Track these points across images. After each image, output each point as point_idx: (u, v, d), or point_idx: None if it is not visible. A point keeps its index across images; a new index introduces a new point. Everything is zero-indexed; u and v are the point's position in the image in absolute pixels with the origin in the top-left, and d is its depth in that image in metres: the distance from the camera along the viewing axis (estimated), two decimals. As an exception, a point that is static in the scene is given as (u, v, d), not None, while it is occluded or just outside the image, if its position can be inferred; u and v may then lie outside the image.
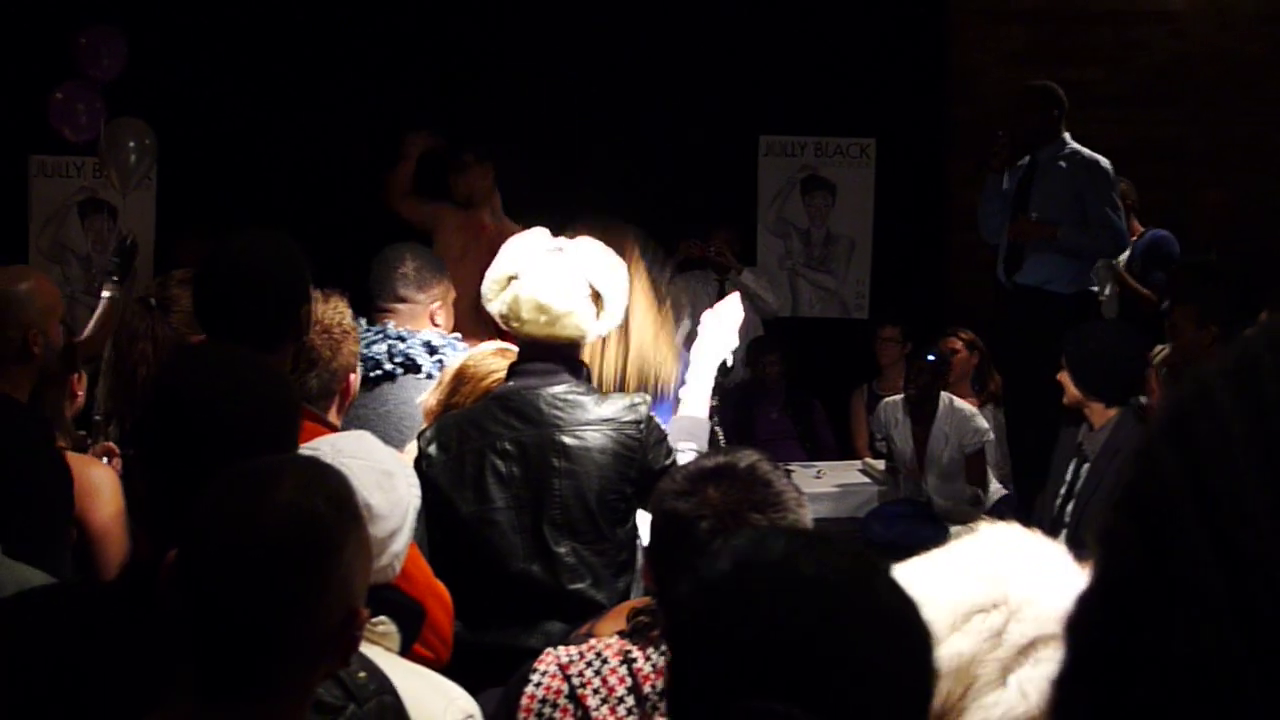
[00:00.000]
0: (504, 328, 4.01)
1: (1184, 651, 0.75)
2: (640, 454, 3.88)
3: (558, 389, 3.91)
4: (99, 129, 8.76)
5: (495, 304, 3.95)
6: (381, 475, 2.82)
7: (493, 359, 4.22)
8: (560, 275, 3.90)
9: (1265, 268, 7.92)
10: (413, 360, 4.75)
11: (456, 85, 10.00)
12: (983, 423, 8.01)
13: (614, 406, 3.92)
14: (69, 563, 3.59)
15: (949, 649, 1.79)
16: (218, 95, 9.75)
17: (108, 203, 9.87)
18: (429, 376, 4.63)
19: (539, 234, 4.03)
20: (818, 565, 1.56)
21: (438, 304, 4.99)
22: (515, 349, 4.21)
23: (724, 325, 4.40)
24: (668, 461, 3.90)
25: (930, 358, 8.16)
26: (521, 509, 3.86)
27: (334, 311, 4.01)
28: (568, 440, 3.86)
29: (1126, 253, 8.32)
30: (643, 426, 3.90)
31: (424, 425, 4.11)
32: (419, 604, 2.94)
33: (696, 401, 4.24)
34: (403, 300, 4.91)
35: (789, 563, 1.57)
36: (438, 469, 3.86)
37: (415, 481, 3.02)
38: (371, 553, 2.26)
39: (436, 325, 4.98)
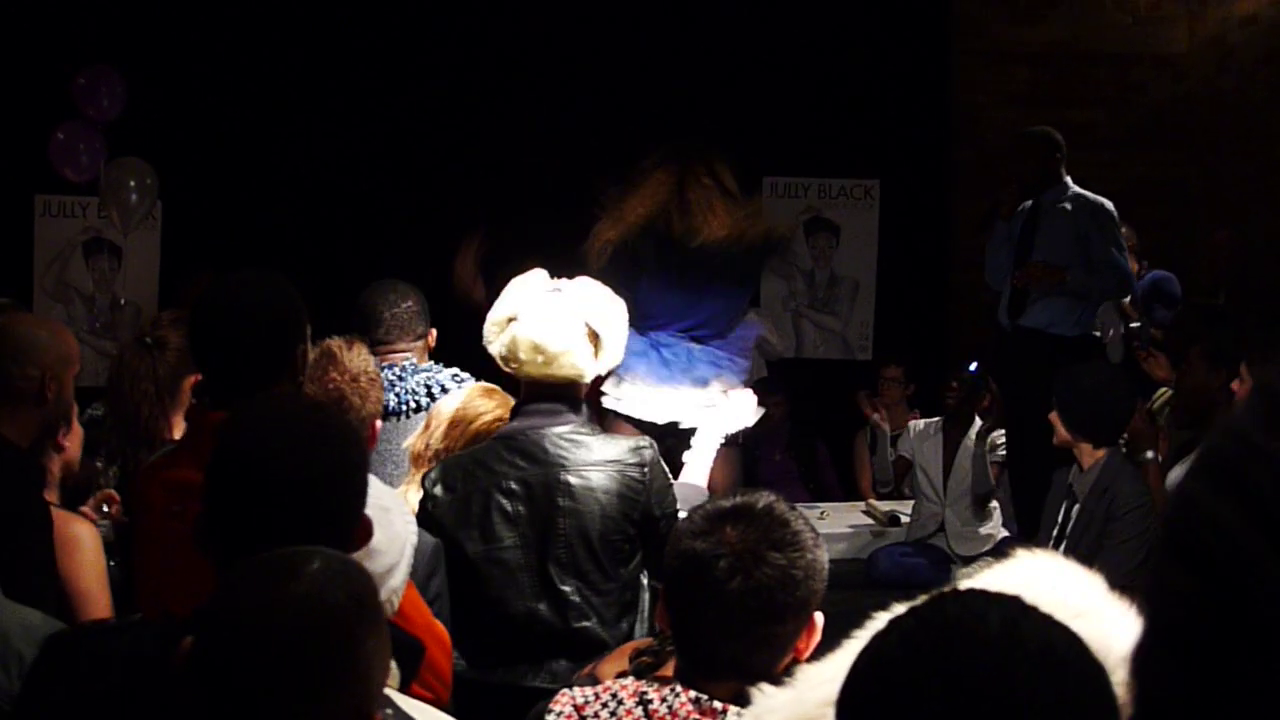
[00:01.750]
0: (504, 369, 4.02)
1: (1267, 687, 0.74)
2: (643, 496, 3.89)
3: (563, 429, 3.92)
4: (99, 169, 8.79)
5: (495, 345, 3.97)
6: (379, 512, 2.81)
7: (481, 400, 4.22)
8: (557, 316, 3.92)
9: (1273, 309, 7.92)
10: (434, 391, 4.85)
11: (465, 126, 10.02)
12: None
13: (618, 448, 3.93)
14: (53, 612, 3.55)
15: None
16: (219, 133, 9.77)
17: (110, 242, 9.88)
18: None
19: (537, 275, 4.04)
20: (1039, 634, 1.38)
21: (432, 335, 5.09)
22: (499, 389, 4.23)
23: (738, 410, 4.41)
24: (670, 510, 3.91)
25: (972, 369, 8.14)
26: (528, 548, 3.86)
27: (359, 359, 4.02)
28: (572, 480, 3.87)
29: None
30: (646, 470, 3.91)
31: (412, 468, 4.12)
32: (418, 640, 2.92)
33: (697, 471, 4.27)
34: (419, 337, 5.01)
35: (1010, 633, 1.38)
36: (444, 509, 3.87)
37: (412, 519, 3.01)
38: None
39: (429, 353, 5.07)
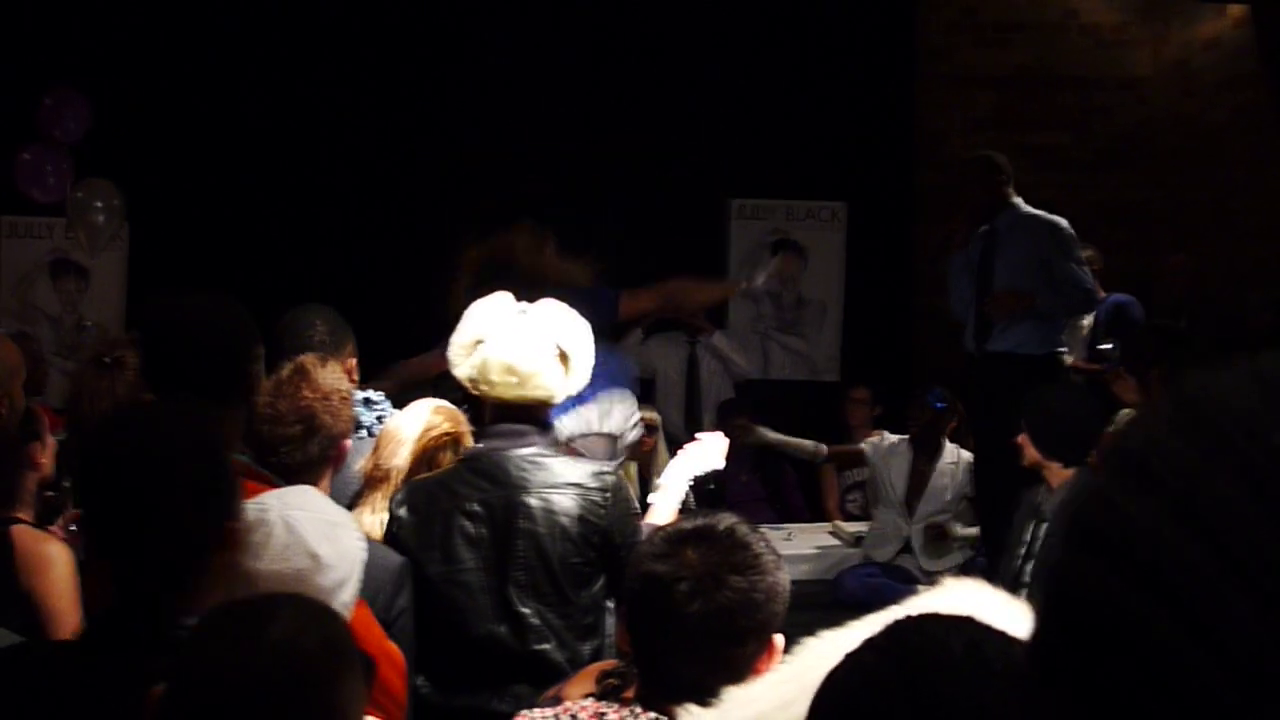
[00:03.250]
0: (473, 391, 4.00)
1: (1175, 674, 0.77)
2: (604, 521, 3.87)
3: (526, 451, 3.91)
4: (66, 190, 8.77)
5: (463, 368, 3.96)
6: (327, 526, 2.82)
7: (434, 416, 4.21)
8: (527, 337, 3.91)
9: (1231, 331, 7.98)
10: (357, 419, 4.73)
11: (428, 149, 10.03)
12: None
13: (581, 471, 3.93)
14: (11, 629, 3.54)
15: None
16: (185, 155, 9.75)
17: (77, 263, 9.85)
18: (370, 434, 4.62)
19: (502, 298, 4.04)
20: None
21: (352, 360, 4.98)
22: (451, 405, 4.23)
23: (707, 452, 4.41)
24: (632, 539, 3.88)
25: (937, 403, 8.18)
26: (488, 570, 3.85)
27: (331, 377, 4.01)
28: (533, 502, 3.86)
29: (1089, 317, 8.35)
30: (608, 495, 3.90)
31: (360, 488, 4.11)
32: (368, 656, 2.92)
33: (664, 512, 4.26)
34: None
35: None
36: (407, 531, 3.86)
37: (361, 536, 3.01)
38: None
39: (353, 381, 4.96)
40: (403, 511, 3.89)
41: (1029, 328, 7.51)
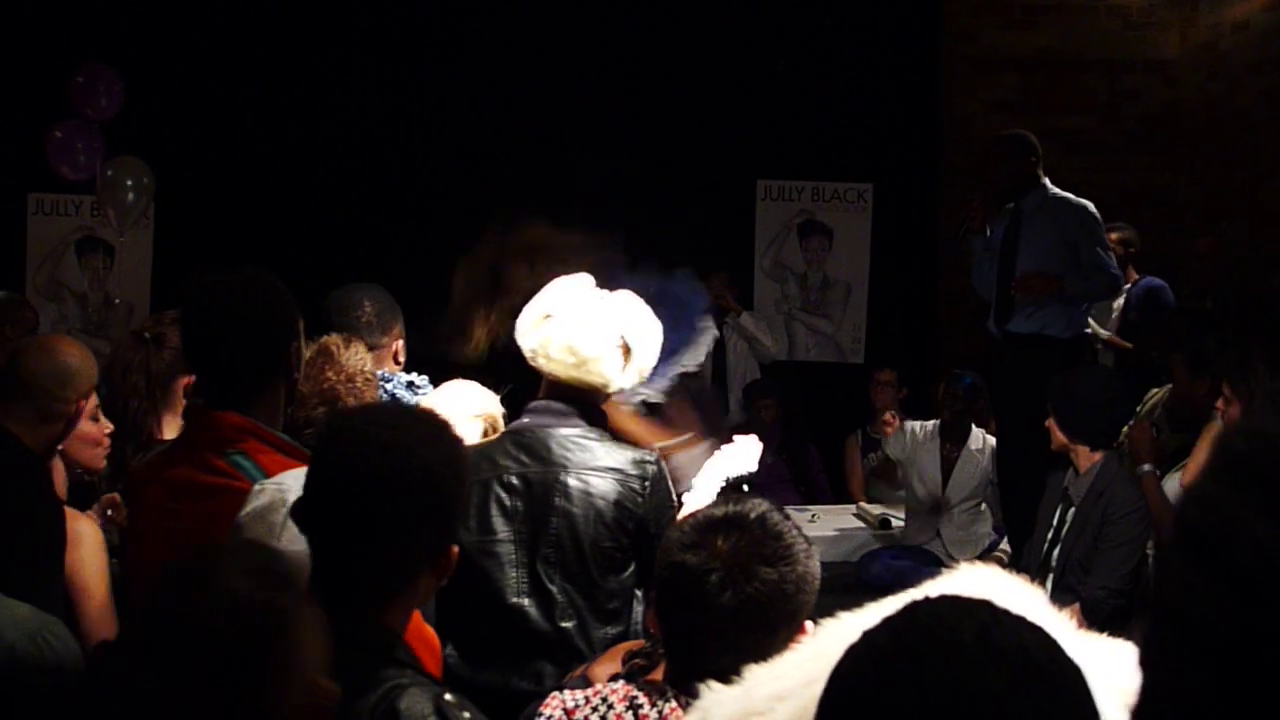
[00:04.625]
0: (531, 363, 3.98)
1: None
2: (641, 509, 3.88)
3: (570, 431, 3.92)
4: (96, 168, 8.79)
5: (528, 339, 3.95)
6: None
7: (474, 397, 4.23)
8: (594, 322, 3.91)
9: (1256, 316, 7.93)
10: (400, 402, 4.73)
11: (455, 128, 10.04)
12: None
13: (623, 457, 3.92)
14: (59, 608, 3.58)
15: None
16: (216, 133, 9.78)
17: (105, 241, 9.89)
18: None
19: (583, 279, 4.03)
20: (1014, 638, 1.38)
21: (399, 343, 4.97)
22: (482, 387, 4.26)
23: (741, 454, 4.37)
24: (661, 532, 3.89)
25: (966, 381, 8.16)
26: (520, 543, 3.86)
27: (356, 359, 4.01)
28: (571, 482, 3.87)
29: (1121, 299, 8.31)
30: (648, 484, 3.90)
31: None
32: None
33: (699, 494, 4.24)
34: (371, 348, 4.82)
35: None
36: None
37: None
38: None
39: (399, 364, 4.96)
40: None
41: (1055, 311, 7.48)
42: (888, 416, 8.52)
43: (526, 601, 3.84)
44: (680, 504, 4.27)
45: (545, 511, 3.87)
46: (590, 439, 3.93)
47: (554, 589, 3.84)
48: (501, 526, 3.87)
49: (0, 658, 2.91)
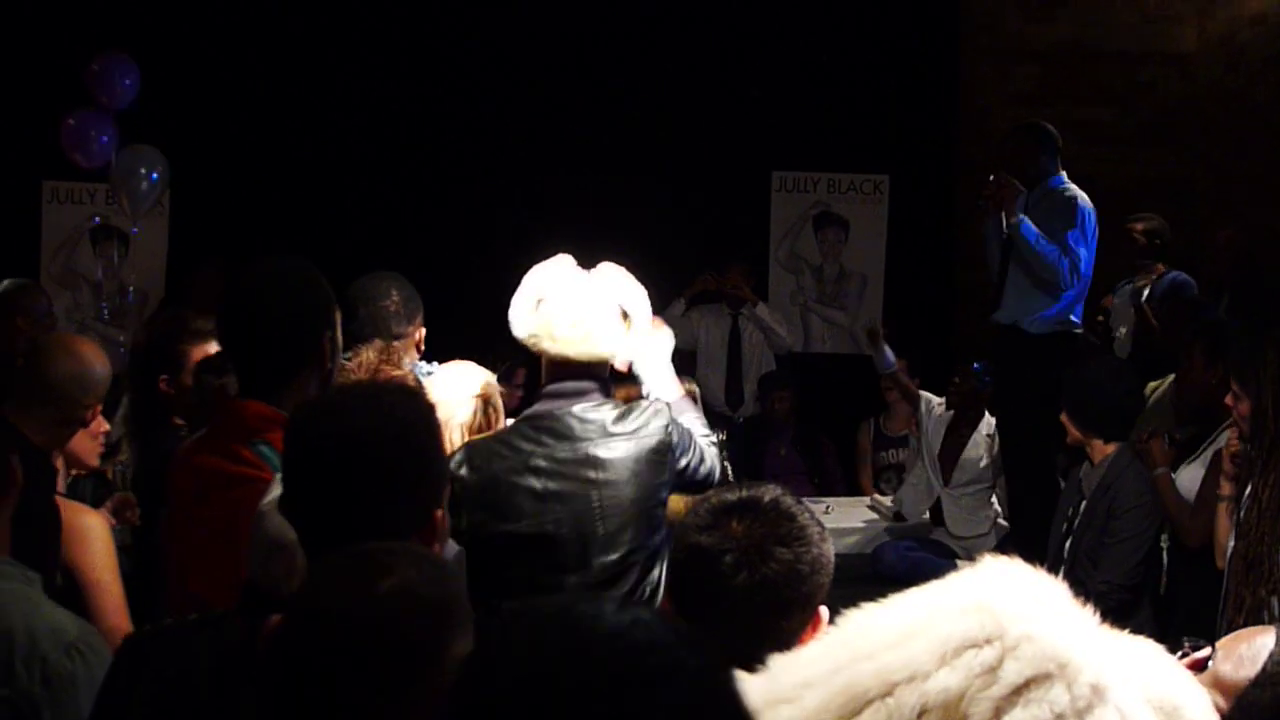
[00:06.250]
0: (533, 349, 3.99)
1: None
2: (670, 456, 3.93)
3: (583, 405, 3.93)
4: (111, 156, 8.79)
5: (525, 325, 3.95)
6: None
7: (474, 375, 4.27)
8: (590, 294, 3.94)
9: (1270, 308, 7.89)
10: None
11: (469, 118, 10.04)
12: None
13: (641, 415, 3.95)
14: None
15: (935, 684, 1.75)
16: (231, 122, 9.79)
17: (119, 229, 9.89)
18: None
19: (563, 260, 4.04)
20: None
21: (421, 332, 4.97)
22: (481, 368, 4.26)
23: (651, 337, 4.38)
24: (691, 455, 3.99)
25: (975, 366, 8.15)
26: (560, 523, 3.86)
27: (394, 368, 4.02)
28: (603, 454, 3.88)
29: (1147, 291, 8.21)
30: (669, 429, 3.94)
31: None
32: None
33: (665, 388, 4.28)
34: (396, 337, 4.79)
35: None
36: (471, 490, 3.84)
37: None
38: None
39: (420, 352, 4.95)
40: (464, 471, 3.86)
41: (1030, 301, 7.45)
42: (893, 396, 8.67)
43: (572, 579, 3.83)
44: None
45: (584, 488, 3.87)
46: (606, 407, 3.94)
47: (604, 560, 3.84)
48: (534, 510, 3.86)
49: (34, 669, 2.93)
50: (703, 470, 4.05)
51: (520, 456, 3.89)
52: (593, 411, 3.92)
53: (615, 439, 3.89)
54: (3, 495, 3.16)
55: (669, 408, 4.04)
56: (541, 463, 3.88)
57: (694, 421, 4.21)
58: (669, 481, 3.95)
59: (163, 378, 4.76)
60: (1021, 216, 7.34)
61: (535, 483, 3.87)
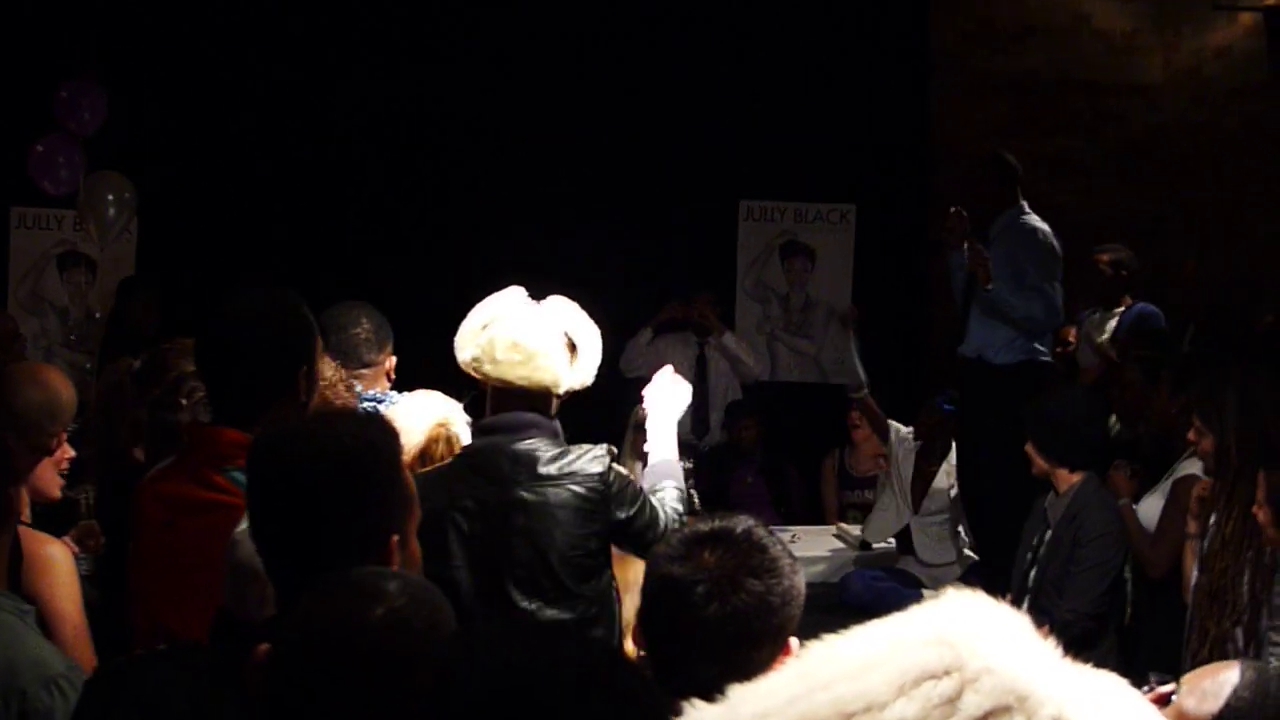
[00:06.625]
0: (475, 375, 3.96)
1: None
2: (603, 506, 3.85)
3: (523, 445, 3.88)
4: (78, 182, 8.77)
5: (468, 350, 3.92)
6: None
7: (433, 407, 4.22)
8: (537, 320, 3.91)
9: (1233, 348, 7.95)
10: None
11: (438, 147, 10.04)
12: None
13: (576, 460, 3.89)
14: None
15: (892, 714, 1.74)
16: (198, 149, 9.76)
17: (86, 255, 9.85)
18: None
19: (514, 291, 4.03)
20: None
21: (392, 360, 4.93)
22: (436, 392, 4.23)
23: (669, 390, 4.36)
24: (634, 509, 3.89)
25: (945, 406, 8.17)
26: (480, 569, 3.82)
27: (338, 399, 4.00)
28: (528, 497, 3.83)
29: (1113, 323, 8.24)
30: (605, 477, 3.87)
31: None
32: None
33: (663, 447, 4.24)
34: (367, 365, 4.76)
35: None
36: (420, 524, 3.82)
37: None
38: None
39: (390, 381, 4.92)
40: None
41: (994, 334, 7.48)
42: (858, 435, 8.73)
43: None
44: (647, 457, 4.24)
45: (506, 533, 3.83)
46: (544, 448, 3.89)
47: (531, 607, 3.81)
48: (459, 553, 3.83)
49: (11, 703, 2.91)
50: (650, 533, 3.89)
51: (451, 497, 3.86)
52: (530, 452, 3.87)
53: (542, 483, 3.84)
54: (0, 526, 3.15)
55: (612, 456, 3.96)
56: (469, 503, 3.86)
57: (666, 484, 4.11)
58: (601, 532, 3.87)
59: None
60: (990, 286, 7.36)
61: (464, 524, 3.85)
